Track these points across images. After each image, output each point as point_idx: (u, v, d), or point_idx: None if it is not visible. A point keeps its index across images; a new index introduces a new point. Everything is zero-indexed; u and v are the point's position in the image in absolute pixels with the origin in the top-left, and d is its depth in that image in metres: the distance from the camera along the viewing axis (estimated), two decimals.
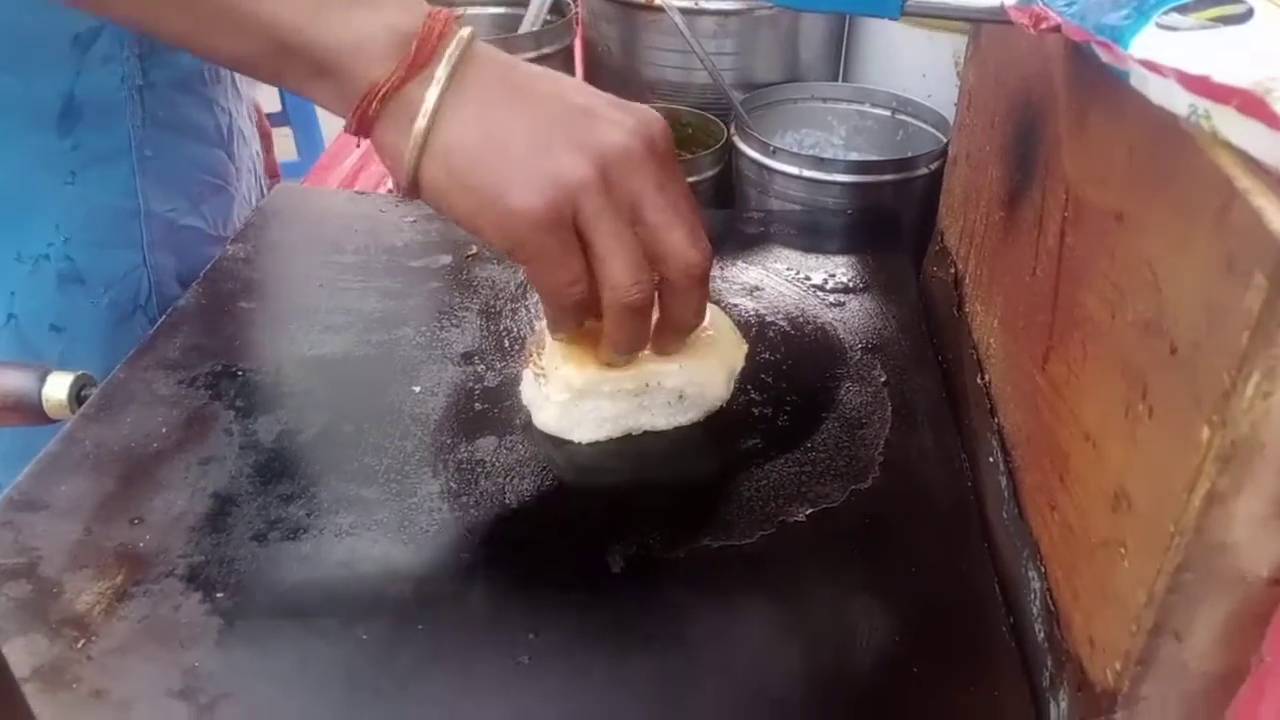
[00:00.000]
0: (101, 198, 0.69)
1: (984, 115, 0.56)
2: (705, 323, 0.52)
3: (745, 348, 0.57)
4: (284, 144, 2.24)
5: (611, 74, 0.92)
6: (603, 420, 0.54)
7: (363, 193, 0.92)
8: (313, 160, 1.30)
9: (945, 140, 0.78)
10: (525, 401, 0.56)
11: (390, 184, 0.82)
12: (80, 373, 0.58)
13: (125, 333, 0.70)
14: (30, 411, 0.57)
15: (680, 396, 0.54)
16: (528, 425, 0.55)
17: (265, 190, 0.88)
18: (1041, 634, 0.41)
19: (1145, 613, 0.32)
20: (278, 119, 2.29)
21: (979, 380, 0.53)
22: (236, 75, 0.80)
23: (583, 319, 0.50)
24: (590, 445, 0.54)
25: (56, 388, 0.57)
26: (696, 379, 0.54)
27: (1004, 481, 0.47)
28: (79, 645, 0.42)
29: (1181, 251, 0.30)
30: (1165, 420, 0.31)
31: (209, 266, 0.68)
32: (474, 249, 0.71)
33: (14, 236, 0.68)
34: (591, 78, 0.95)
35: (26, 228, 0.68)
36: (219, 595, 0.45)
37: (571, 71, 0.93)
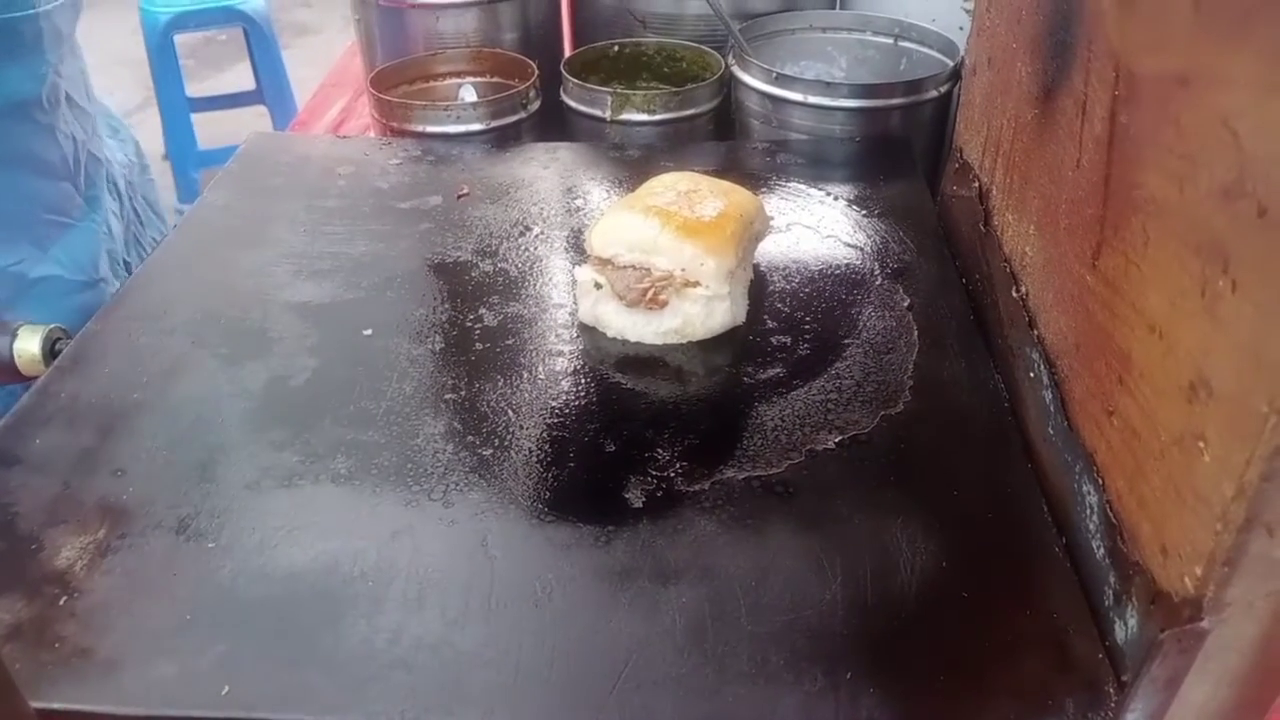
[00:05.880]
0: None
1: (1008, 12, 0.52)
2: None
3: None
4: (260, 122, 2.17)
5: (602, 8, 0.87)
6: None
7: (345, 136, 0.88)
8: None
9: (953, 63, 0.75)
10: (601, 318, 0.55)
11: (374, 130, 0.78)
12: (53, 325, 0.54)
13: None
14: (1, 369, 0.53)
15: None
16: (531, 364, 0.52)
17: (141, 205, 0.82)
18: (1101, 550, 0.38)
19: (1234, 507, 0.29)
20: (250, 97, 2.21)
21: (1014, 294, 0.50)
22: (80, 91, 0.72)
23: None
24: (600, 382, 0.51)
25: (28, 342, 0.54)
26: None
27: (1049, 396, 0.44)
28: (60, 603, 0.39)
29: (1272, 98, 0.27)
30: (1252, 291, 0.28)
31: (184, 216, 0.64)
32: (465, 189, 0.67)
33: None
34: (580, 10, 0.91)
35: None
36: (210, 546, 0.41)
37: (558, 7, 0.88)
